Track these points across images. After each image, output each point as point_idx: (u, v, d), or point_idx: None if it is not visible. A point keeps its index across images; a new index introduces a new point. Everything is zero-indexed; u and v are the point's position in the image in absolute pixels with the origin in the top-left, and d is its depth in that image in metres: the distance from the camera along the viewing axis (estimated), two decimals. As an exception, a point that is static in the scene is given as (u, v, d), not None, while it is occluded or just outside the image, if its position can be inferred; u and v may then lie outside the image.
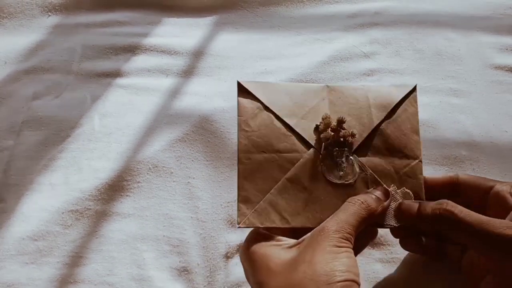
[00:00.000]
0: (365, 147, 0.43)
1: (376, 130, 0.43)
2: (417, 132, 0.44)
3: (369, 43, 0.59)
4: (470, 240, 0.36)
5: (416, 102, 0.45)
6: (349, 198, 0.39)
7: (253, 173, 0.41)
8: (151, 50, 0.60)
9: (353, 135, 0.42)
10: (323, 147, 0.42)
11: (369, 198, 0.39)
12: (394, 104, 0.44)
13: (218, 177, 0.51)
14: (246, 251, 0.38)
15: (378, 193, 0.40)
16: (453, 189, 0.41)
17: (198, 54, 0.60)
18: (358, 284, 0.34)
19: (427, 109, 0.53)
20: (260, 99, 0.43)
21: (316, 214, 0.41)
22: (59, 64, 0.60)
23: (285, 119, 0.43)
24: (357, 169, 0.42)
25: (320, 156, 0.42)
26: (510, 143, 0.51)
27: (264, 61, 0.59)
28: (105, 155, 0.52)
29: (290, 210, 0.41)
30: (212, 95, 0.56)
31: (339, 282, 0.33)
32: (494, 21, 0.60)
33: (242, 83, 0.44)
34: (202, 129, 0.53)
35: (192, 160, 0.52)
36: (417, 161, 0.43)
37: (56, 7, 0.65)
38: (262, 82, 0.45)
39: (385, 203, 0.39)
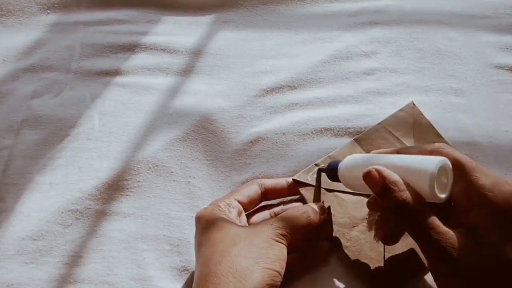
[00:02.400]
0: None
1: None
2: (439, 135, 0.49)
3: (369, 42, 0.59)
4: None
5: (421, 113, 0.50)
6: (297, 207, 0.44)
7: (361, 250, 0.44)
8: (151, 49, 0.60)
9: None
10: None
11: (311, 210, 0.43)
12: (412, 127, 0.50)
13: (218, 176, 0.50)
14: (205, 212, 0.42)
15: (316, 206, 0.43)
16: None
17: (198, 52, 0.59)
18: (281, 277, 0.38)
19: (427, 108, 0.53)
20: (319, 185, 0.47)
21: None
22: (58, 62, 0.59)
23: (347, 189, 0.45)
24: None
25: None
26: (511, 143, 0.51)
27: (264, 60, 0.58)
28: (105, 155, 0.52)
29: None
30: (212, 94, 0.56)
31: (265, 268, 0.37)
32: (494, 20, 0.60)
33: (296, 178, 0.47)
34: (202, 129, 0.53)
35: (192, 160, 0.51)
36: None
37: (55, 5, 0.64)
38: (310, 167, 0.48)
39: (322, 217, 0.43)
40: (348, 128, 0.52)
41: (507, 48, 0.58)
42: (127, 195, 0.50)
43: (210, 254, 0.39)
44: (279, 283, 0.38)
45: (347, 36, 0.60)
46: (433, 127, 0.50)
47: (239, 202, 0.44)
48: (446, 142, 0.48)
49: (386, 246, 0.43)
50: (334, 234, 0.45)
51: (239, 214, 0.44)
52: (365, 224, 0.45)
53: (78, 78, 0.58)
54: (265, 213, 0.46)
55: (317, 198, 0.46)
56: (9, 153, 0.53)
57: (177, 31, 0.62)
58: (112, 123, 0.54)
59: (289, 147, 0.51)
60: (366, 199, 0.43)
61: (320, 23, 0.61)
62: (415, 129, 0.50)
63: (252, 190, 0.46)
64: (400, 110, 0.51)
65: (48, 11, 0.64)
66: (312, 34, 0.60)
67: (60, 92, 0.57)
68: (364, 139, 0.50)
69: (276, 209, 0.47)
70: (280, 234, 0.40)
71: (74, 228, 0.48)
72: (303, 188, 0.47)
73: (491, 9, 0.61)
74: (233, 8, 0.63)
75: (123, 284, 0.45)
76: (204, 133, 0.53)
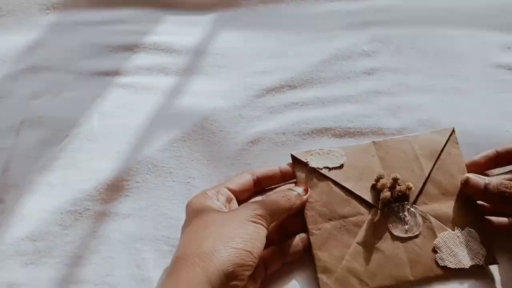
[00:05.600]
0: (421, 196, 0.46)
1: (427, 178, 0.46)
2: (464, 171, 0.47)
3: (370, 41, 0.59)
4: None
5: (457, 143, 0.48)
6: (278, 190, 0.46)
7: (325, 242, 0.44)
8: (151, 49, 0.60)
9: (409, 189, 0.45)
10: (384, 205, 0.45)
11: (291, 193, 0.44)
12: (439, 152, 0.47)
13: (218, 177, 0.50)
14: (192, 200, 0.44)
15: (299, 190, 0.45)
16: None
17: (198, 52, 0.59)
18: (254, 257, 0.38)
19: (428, 108, 0.53)
20: (316, 167, 0.47)
21: (391, 272, 0.43)
22: (58, 62, 0.59)
23: (342, 183, 0.46)
24: (420, 220, 0.45)
25: (383, 214, 0.45)
26: (512, 143, 0.50)
27: (264, 59, 0.58)
28: (104, 155, 0.52)
29: (367, 273, 0.43)
30: (212, 94, 0.56)
31: (234, 248, 0.38)
32: (496, 20, 0.60)
33: (295, 155, 0.47)
34: (202, 129, 0.53)
35: (192, 160, 0.51)
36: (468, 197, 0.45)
37: (55, 5, 0.64)
38: (313, 150, 0.48)
39: (304, 197, 0.45)
40: (349, 128, 0.52)
41: (509, 48, 0.58)
42: (126, 195, 0.50)
43: (184, 238, 0.41)
44: (252, 262, 0.38)
45: (347, 36, 0.59)
46: (462, 161, 0.47)
47: (230, 190, 0.45)
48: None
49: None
50: (307, 218, 0.45)
51: (228, 201, 0.44)
52: (343, 222, 0.45)
53: (78, 79, 0.58)
54: (257, 199, 0.46)
55: (308, 180, 0.47)
56: (8, 154, 0.53)
57: (177, 31, 0.62)
58: (112, 123, 0.54)
59: (289, 147, 0.51)
60: (355, 201, 0.45)
61: (320, 22, 0.61)
62: (441, 156, 0.47)
63: (243, 178, 0.46)
64: (436, 131, 0.49)
65: (48, 11, 0.64)
66: (312, 33, 0.60)
67: (60, 92, 0.57)
68: (383, 145, 0.48)
69: (268, 193, 0.47)
70: (258, 215, 0.40)
71: (74, 229, 0.48)
72: (298, 167, 0.47)
73: (493, 8, 0.61)
74: (233, 8, 0.63)
75: (123, 285, 0.45)
76: (204, 133, 0.53)
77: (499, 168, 0.47)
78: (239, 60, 0.58)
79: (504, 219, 0.45)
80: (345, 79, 0.56)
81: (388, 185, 0.45)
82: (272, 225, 0.42)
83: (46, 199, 0.49)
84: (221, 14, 0.63)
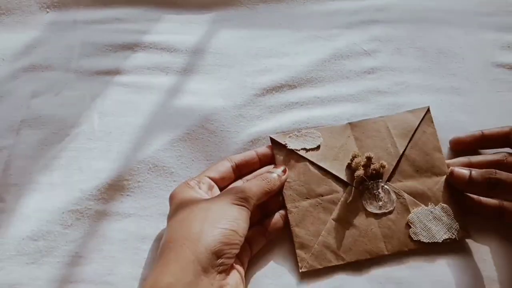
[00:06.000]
0: (396, 174, 0.47)
1: (402, 156, 0.48)
2: (439, 150, 0.48)
3: (370, 40, 0.58)
4: None
5: (432, 122, 0.49)
6: (257, 173, 0.48)
7: (303, 220, 0.46)
8: (151, 48, 0.60)
9: (383, 167, 0.47)
10: (358, 183, 0.47)
11: (270, 176, 0.46)
12: (413, 130, 0.49)
13: (219, 176, 0.50)
14: (174, 191, 0.45)
15: (278, 171, 0.47)
16: (507, 140, 0.47)
17: (198, 51, 0.59)
18: (240, 236, 0.40)
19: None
20: (294, 149, 0.49)
21: (366, 246, 0.45)
22: (58, 61, 0.59)
23: (319, 163, 0.48)
24: (394, 196, 0.47)
25: (358, 191, 0.47)
26: (511, 142, 0.51)
27: (264, 58, 0.58)
28: (105, 155, 0.52)
29: (342, 247, 0.45)
30: (212, 93, 0.55)
31: (219, 227, 0.39)
32: (496, 19, 0.60)
33: (274, 137, 0.49)
34: (203, 128, 0.53)
35: (193, 160, 0.51)
36: (445, 176, 0.47)
37: (55, 4, 0.64)
38: (291, 132, 0.50)
39: (283, 177, 0.47)
40: (350, 126, 0.52)
41: (509, 47, 0.58)
42: (127, 195, 0.50)
43: (171, 225, 0.42)
44: (238, 241, 0.40)
45: (347, 35, 0.59)
46: (437, 139, 0.49)
47: (210, 178, 0.46)
48: (444, 158, 0.48)
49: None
50: (286, 197, 0.47)
51: (210, 188, 0.46)
52: (319, 200, 0.46)
53: (78, 78, 0.58)
54: (238, 183, 0.48)
55: (286, 162, 0.48)
56: (9, 153, 0.53)
57: (177, 30, 0.61)
58: (112, 123, 0.54)
59: (290, 146, 0.51)
60: (331, 180, 0.47)
61: (320, 22, 0.61)
62: (416, 134, 0.49)
63: (223, 166, 0.47)
64: (411, 111, 0.50)
65: (48, 10, 0.64)
66: (312, 32, 0.60)
67: (60, 91, 0.57)
68: (358, 125, 0.50)
69: (248, 177, 0.48)
70: (240, 198, 0.42)
71: (75, 228, 0.48)
72: (277, 149, 0.49)
73: (492, 8, 0.61)
74: (234, 7, 0.63)
75: (124, 284, 0.45)
76: (204, 132, 0.53)
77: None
78: (239, 59, 0.58)
79: (493, 201, 0.46)
80: (345, 79, 0.56)
81: (362, 163, 0.46)
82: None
83: (47, 199, 0.49)
84: (221, 13, 0.63)
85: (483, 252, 0.45)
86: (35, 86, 0.57)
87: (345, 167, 0.48)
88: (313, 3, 0.63)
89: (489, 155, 0.48)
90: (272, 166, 0.49)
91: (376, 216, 0.46)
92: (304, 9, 0.62)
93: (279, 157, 0.49)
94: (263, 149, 0.50)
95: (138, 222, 0.48)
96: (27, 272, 0.46)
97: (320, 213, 0.46)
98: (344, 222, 0.46)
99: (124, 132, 0.53)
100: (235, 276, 0.41)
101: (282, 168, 0.47)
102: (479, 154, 0.49)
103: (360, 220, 0.46)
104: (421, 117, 0.49)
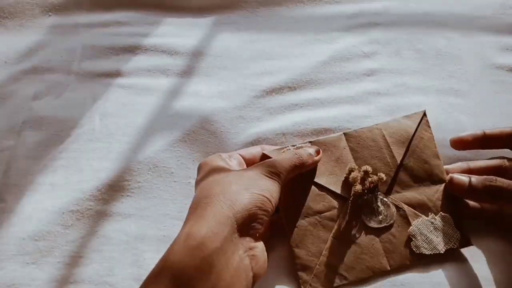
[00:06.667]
0: (394, 185, 0.46)
1: (400, 166, 0.47)
2: (437, 156, 0.47)
3: (369, 43, 0.59)
4: None
5: (429, 127, 0.48)
6: (289, 148, 0.46)
7: (303, 239, 0.45)
8: (152, 50, 0.60)
9: (381, 179, 0.45)
10: (357, 197, 0.45)
11: (303, 151, 0.45)
12: (410, 137, 0.47)
13: (219, 177, 0.50)
14: (206, 160, 0.44)
15: (312, 150, 0.46)
16: (508, 141, 0.47)
17: (198, 54, 0.59)
18: (272, 205, 0.40)
19: (427, 109, 0.53)
20: None
21: (368, 263, 0.44)
22: (59, 64, 0.60)
23: (315, 180, 0.46)
24: (393, 209, 0.45)
25: (356, 206, 0.45)
26: (510, 143, 0.51)
27: (264, 61, 0.58)
28: (106, 155, 0.52)
29: (344, 266, 0.44)
30: (212, 95, 0.56)
31: (254, 192, 0.39)
32: (494, 21, 0.60)
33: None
34: (203, 129, 0.53)
35: (193, 160, 0.52)
36: (444, 184, 0.46)
37: (57, 7, 0.65)
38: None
39: (316, 158, 0.46)
40: (348, 129, 0.52)
41: (507, 49, 0.58)
42: (127, 195, 0.50)
43: (203, 186, 0.41)
44: (269, 210, 0.40)
45: (347, 37, 0.60)
46: (434, 145, 0.47)
47: (242, 157, 0.46)
48: (442, 165, 0.47)
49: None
50: (284, 217, 0.46)
51: (240, 165, 0.45)
52: (318, 218, 0.45)
53: (79, 80, 0.58)
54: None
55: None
56: (10, 154, 0.53)
57: (177, 32, 0.62)
58: (113, 124, 0.54)
59: (289, 147, 0.51)
60: (329, 196, 0.46)
61: (320, 25, 0.61)
62: (413, 141, 0.47)
63: (255, 149, 0.47)
64: (407, 116, 0.48)
65: (50, 13, 0.65)
66: (312, 35, 0.60)
67: (62, 93, 0.57)
68: (354, 135, 0.48)
69: (281, 151, 0.47)
70: (271, 172, 0.42)
71: (75, 229, 0.48)
72: None
73: (491, 10, 0.61)
74: (234, 10, 0.63)
75: (124, 285, 0.45)
76: (204, 134, 0.53)
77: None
78: (239, 62, 0.59)
79: (493, 206, 0.45)
80: (344, 81, 0.56)
81: (359, 178, 0.45)
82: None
83: (47, 199, 0.50)
84: (221, 16, 0.63)
85: (482, 255, 0.45)
86: (36, 88, 0.58)
87: (342, 181, 0.46)
88: (313, 7, 0.63)
89: (488, 160, 0.47)
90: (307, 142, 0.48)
91: (377, 231, 0.45)
92: (304, 12, 0.63)
93: None
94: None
95: (138, 223, 0.48)
96: (27, 272, 0.46)
97: (320, 232, 0.45)
98: (344, 239, 0.45)
99: (124, 133, 0.53)
100: (261, 243, 0.40)
101: (315, 147, 0.47)
102: (479, 154, 0.49)
103: (361, 237, 0.45)
104: (418, 122, 0.48)
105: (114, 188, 0.50)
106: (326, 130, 0.52)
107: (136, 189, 0.50)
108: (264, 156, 0.46)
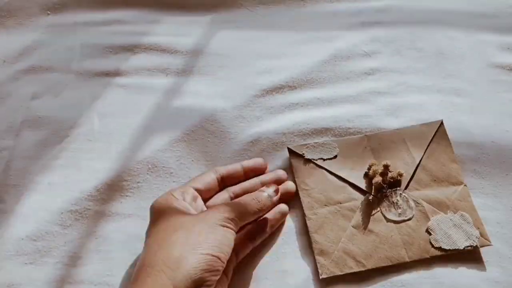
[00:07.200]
0: (413, 183, 0.48)
1: (418, 166, 0.48)
2: (454, 160, 0.49)
3: (370, 41, 0.59)
4: None
5: (446, 134, 0.50)
6: (246, 188, 0.46)
7: (322, 226, 0.46)
8: (151, 49, 0.60)
9: (400, 175, 0.47)
10: (377, 191, 0.47)
11: (261, 195, 0.44)
12: (428, 142, 0.49)
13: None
14: (157, 201, 0.43)
15: (270, 191, 0.45)
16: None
17: (198, 53, 0.59)
18: (222, 262, 0.38)
19: (428, 108, 0.53)
20: (311, 159, 0.49)
21: (387, 253, 0.44)
22: (58, 63, 0.59)
23: (336, 173, 0.48)
24: (412, 204, 0.47)
25: (376, 199, 0.47)
26: (512, 143, 0.50)
27: (264, 60, 0.58)
28: (105, 155, 0.52)
29: (363, 254, 0.44)
30: (212, 94, 0.56)
31: (202, 253, 0.37)
32: (496, 20, 0.60)
33: (292, 148, 0.50)
34: (202, 129, 0.53)
35: (192, 160, 0.51)
36: (462, 185, 0.48)
37: (56, 6, 0.64)
38: (308, 143, 0.50)
39: (274, 199, 0.45)
40: (349, 128, 0.52)
41: (508, 48, 0.58)
42: (126, 195, 0.50)
43: (150, 244, 0.40)
44: (220, 267, 0.38)
45: (347, 36, 0.60)
46: (451, 150, 0.49)
47: (195, 189, 0.45)
48: (460, 169, 0.48)
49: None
50: (304, 204, 0.47)
51: (194, 199, 0.45)
52: (338, 207, 0.47)
53: (78, 79, 0.58)
54: (224, 194, 0.47)
55: (304, 171, 0.49)
56: (9, 154, 0.53)
57: (177, 31, 0.62)
58: (112, 123, 0.54)
59: (289, 147, 0.51)
60: (349, 188, 0.47)
61: (320, 23, 0.61)
62: (430, 145, 0.49)
63: (208, 177, 0.47)
64: (425, 124, 0.51)
65: (48, 12, 0.64)
66: (312, 34, 0.60)
67: (60, 93, 0.57)
68: (374, 137, 0.50)
69: (234, 188, 0.47)
70: (228, 218, 0.40)
71: (74, 229, 0.48)
72: (295, 159, 0.50)
73: (492, 9, 0.61)
74: (234, 8, 0.63)
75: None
76: (204, 133, 0.53)
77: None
78: (239, 61, 0.58)
79: None
80: (345, 80, 0.56)
81: (380, 171, 0.47)
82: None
83: (46, 199, 0.49)
84: (221, 14, 0.63)
85: (482, 255, 0.45)
86: (35, 87, 0.58)
87: (362, 176, 0.48)
88: (313, 5, 0.63)
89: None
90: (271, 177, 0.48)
91: (396, 222, 0.46)
92: (304, 10, 0.63)
93: (298, 166, 0.49)
94: (249, 162, 0.49)
95: (137, 223, 0.48)
96: (26, 272, 0.46)
97: (339, 220, 0.46)
98: (363, 229, 0.46)
99: (123, 133, 0.53)
100: None
101: (274, 187, 0.46)
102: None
103: (380, 227, 0.45)
104: (435, 130, 0.50)
105: (113, 188, 0.50)
106: (326, 130, 0.52)
107: (135, 189, 0.50)
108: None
